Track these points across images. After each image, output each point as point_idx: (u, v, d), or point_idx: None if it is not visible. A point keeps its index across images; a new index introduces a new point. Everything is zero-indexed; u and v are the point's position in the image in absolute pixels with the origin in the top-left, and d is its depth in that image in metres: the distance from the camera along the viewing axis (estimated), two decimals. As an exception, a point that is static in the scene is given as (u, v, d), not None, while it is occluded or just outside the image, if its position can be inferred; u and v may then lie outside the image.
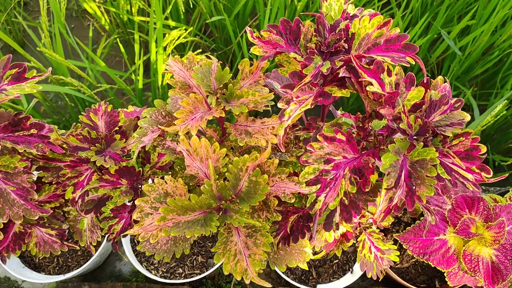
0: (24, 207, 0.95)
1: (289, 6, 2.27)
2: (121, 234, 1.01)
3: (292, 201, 0.84)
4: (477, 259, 1.17)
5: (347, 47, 0.81)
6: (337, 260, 1.47)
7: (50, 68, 0.92)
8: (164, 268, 1.44)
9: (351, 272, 1.45)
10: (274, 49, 0.83)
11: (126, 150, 1.02)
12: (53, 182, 1.03)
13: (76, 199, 0.99)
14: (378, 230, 1.07)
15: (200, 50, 2.39)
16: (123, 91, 2.64)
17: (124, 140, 1.02)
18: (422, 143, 0.75)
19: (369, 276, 1.09)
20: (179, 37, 2.24)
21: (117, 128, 1.05)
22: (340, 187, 0.79)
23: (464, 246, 1.19)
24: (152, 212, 0.85)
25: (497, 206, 1.23)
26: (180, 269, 1.44)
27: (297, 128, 1.07)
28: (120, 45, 2.30)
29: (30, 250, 1.09)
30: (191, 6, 2.50)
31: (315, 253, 1.16)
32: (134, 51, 2.62)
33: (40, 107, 2.64)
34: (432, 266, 1.44)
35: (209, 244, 1.49)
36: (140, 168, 1.02)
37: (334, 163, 0.80)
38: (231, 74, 0.91)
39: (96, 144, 1.01)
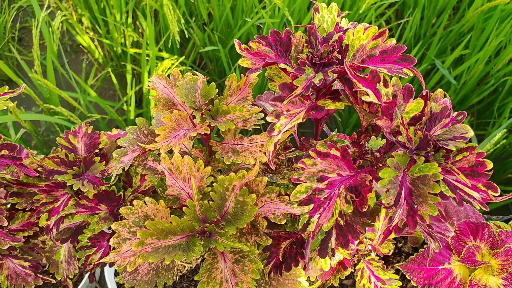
0: (-7, 234, 0.87)
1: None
2: (99, 265, 0.93)
3: (283, 222, 0.77)
4: (485, 290, 1.09)
5: (340, 58, 0.76)
6: (334, 294, 1.37)
7: (24, 85, 0.87)
8: (150, 305, 1.35)
9: (350, 307, 1.36)
10: (263, 61, 0.78)
11: (106, 174, 0.95)
12: (27, 209, 0.96)
13: (51, 227, 0.92)
14: (378, 257, 1.00)
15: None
16: (116, 123, 2.59)
17: (104, 162, 0.96)
18: (423, 158, 0.69)
19: (369, 309, 1.00)
20: (171, 67, 2.21)
21: (97, 151, 0.99)
22: (335, 206, 0.73)
23: (470, 275, 1.11)
24: (131, 237, 0.78)
25: (502, 232, 1.15)
26: (167, 305, 1.35)
27: (290, 150, 1.01)
28: (112, 75, 2.27)
29: (0, 284, 1.01)
30: (186, 37, 2.48)
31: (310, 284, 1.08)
32: (127, 84, 2.59)
33: (31, 141, 2.59)
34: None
35: (199, 278, 1.40)
36: (121, 193, 0.95)
37: (328, 181, 0.74)
38: (217, 90, 0.86)
39: (73, 168, 0.94)
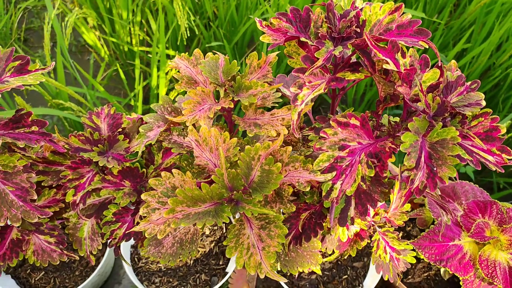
0: (23, 208, 0.90)
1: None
2: (124, 238, 0.96)
3: (307, 189, 0.81)
4: (494, 264, 1.12)
5: (359, 32, 0.80)
6: (346, 276, 1.41)
7: (53, 63, 0.90)
8: (166, 287, 1.38)
9: (361, 288, 1.39)
10: (283, 36, 0.82)
11: (129, 151, 0.99)
12: (53, 186, 0.99)
13: (77, 202, 0.95)
14: (393, 228, 1.03)
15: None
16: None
17: (128, 140, 0.99)
18: (441, 124, 0.72)
19: (385, 279, 1.03)
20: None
21: (120, 130, 1.02)
22: (357, 172, 0.76)
23: (479, 251, 1.14)
24: (159, 207, 0.81)
25: (510, 209, 1.19)
26: (182, 287, 1.38)
27: (305, 129, 1.04)
28: (120, 71, 2.30)
29: (28, 259, 1.04)
30: (191, 34, 2.52)
31: (328, 255, 1.11)
32: (133, 83, 2.62)
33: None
34: (445, 279, 1.39)
35: (213, 261, 1.43)
36: (144, 170, 0.98)
37: (349, 149, 0.77)
38: (239, 67, 0.90)
39: (98, 145, 0.97)
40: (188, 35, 2.36)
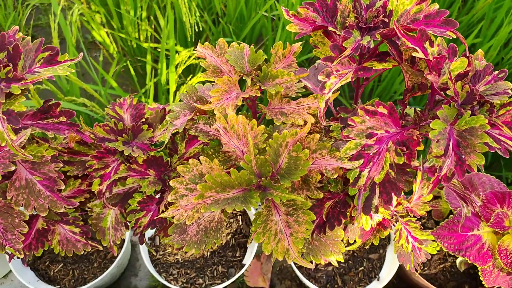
0: (50, 198, 0.91)
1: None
2: (149, 226, 0.97)
3: (335, 176, 0.81)
4: (513, 255, 1.13)
5: (386, 21, 0.80)
6: (362, 268, 1.42)
7: (82, 53, 0.91)
8: (184, 279, 1.39)
9: (378, 280, 1.40)
10: (310, 26, 0.83)
11: (153, 141, 1.00)
12: (79, 175, 1.00)
13: (104, 191, 0.96)
14: (415, 219, 1.04)
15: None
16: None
17: (152, 130, 1.00)
18: (469, 112, 0.73)
19: (407, 269, 1.04)
20: (190, 57, 2.25)
21: (143, 120, 1.04)
22: (385, 160, 0.77)
23: (498, 241, 1.15)
24: (187, 193, 0.82)
25: (528, 200, 1.20)
26: (200, 279, 1.39)
27: (326, 120, 1.05)
28: (130, 68, 2.31)
29: (53, 249, 1.04)
30: (199, 30, 2.53)
31: (350, 245, 1.12)
32: (141, 79, 2.63)
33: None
34: (461, 271, 1.40)
35: (229, 253, 1.44)
36: (168, 159, 0.99)
37: (376, 137, 0.78)
38: (265, 57, 0.91)
39: (123, 135, 0.98)
40: (196, 30, 2.37)
